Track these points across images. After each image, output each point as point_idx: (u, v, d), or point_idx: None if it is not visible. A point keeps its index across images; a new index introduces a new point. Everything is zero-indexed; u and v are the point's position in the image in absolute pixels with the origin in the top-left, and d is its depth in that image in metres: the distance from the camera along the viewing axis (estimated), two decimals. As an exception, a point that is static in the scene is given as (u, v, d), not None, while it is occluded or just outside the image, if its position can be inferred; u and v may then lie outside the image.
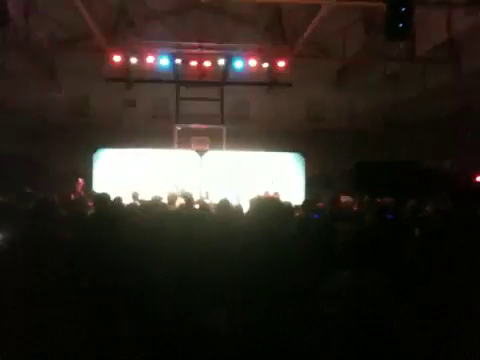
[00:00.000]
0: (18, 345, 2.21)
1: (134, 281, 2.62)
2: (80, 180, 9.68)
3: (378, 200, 7.04)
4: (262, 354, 2.35)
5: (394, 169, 12.32)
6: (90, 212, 5.53)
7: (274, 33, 12.53)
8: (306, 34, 10.38)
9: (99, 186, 10.86)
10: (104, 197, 4.04)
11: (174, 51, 11.47)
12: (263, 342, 2.40)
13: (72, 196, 8.01)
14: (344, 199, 7.10)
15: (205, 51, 11.66)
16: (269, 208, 4.01)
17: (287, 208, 4.36)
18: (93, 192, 7.76)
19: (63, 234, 3.45)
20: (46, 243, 2.87)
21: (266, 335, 2.41)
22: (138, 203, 5.60)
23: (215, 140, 12.06)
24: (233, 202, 9.03)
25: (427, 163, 12.47)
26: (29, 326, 2.28)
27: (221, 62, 11.66)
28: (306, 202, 6.59)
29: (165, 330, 2.38)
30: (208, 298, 2.55)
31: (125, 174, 11.47)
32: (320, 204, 7.72)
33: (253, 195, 8.40)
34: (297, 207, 6.40)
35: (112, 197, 5.07)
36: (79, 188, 9.50)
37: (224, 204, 5.20)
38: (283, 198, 7.41)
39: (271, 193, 10.29)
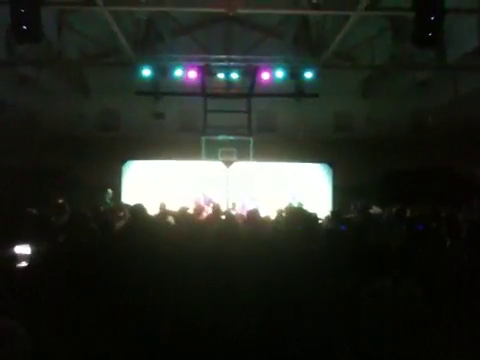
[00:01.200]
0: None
1: (170, 291, 2.64)
2: (109, 191, 9.81)
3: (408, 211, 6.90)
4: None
5: (424, 178, 12.07)
6: (120, 224, 5.61)
7: (301, 44, 12.56)
8: (334, 44, 10.35)
9: (128, 198, 11.01)
10: (139, 209, 4.07)
11: (202, 64, 11.61)
12: (298, 348, 2.39)
13: (101, 208, 8.14)
14: (373, 210, 6.99)
15: (232, 63, 11.76)
16: (298, 220, 4.00)
17: (314, 219, 4.32)
18: (125, 204, 7.86)
19: (97, 246, 3.52)
20: (81, 256, 2.92)
21: (300, 340, 2.40)
22: (170, 218, 5.62)
23: (242, 151, 12.09)
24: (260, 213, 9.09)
25: (458, 171, 12.17)
26: (66, 333, 2.31)
27: (248, 74, 11.75)
28: (334, 213, 6.52)
29: (202, 335, 2.39)
30: (242, 306, 2.55)
31: (153, 186, 11.59)
32: (348, 215, 7.64)
33: (280, 206, 8.40)
34: (325, 218, 6.34)
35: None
36: (107, 199, 9.64)
37: (253, 215, 5.17)
38: (310, 209, 7.34)
39: (295, 204, 10.22)
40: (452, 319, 2.54)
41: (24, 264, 3.10)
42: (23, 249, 3.36)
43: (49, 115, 13.69)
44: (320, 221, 5.47)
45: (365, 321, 2.52)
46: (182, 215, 5.51)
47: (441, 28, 7.34)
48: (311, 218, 4.02)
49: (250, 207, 8.89)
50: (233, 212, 9.06)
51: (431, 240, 4.36)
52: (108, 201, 9.94)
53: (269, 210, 7.98)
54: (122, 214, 6.63)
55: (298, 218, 4.04)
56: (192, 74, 11.48)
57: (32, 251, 3.36)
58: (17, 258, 3.10)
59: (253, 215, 5.25)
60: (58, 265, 2.89)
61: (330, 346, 2.40)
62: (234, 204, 10.59)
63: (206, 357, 2.38)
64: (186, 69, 11.46)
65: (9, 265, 2.90)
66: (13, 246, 3.32)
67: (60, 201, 6.74)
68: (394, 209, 7.23)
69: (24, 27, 8.87)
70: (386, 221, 6.68)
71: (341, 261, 3.10)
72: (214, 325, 2.49)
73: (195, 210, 6.79)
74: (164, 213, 6.28)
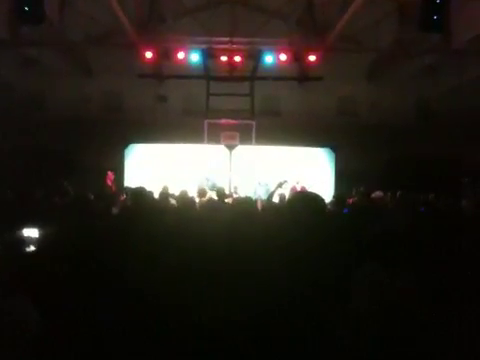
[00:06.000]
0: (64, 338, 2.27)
1: (174, 276, 2.65)
2: (109, 173, 9.79)
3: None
4: (293, 347, 2.36)
5: (428, 164, 12.03)
6: (121, 206, 5.63)
7: (305, 27, 12.41)
8: (338, 27, 10.22)
9: (130, 181, 11.03)
10: (140, 192, 4.06)
11: (205, 46, 11.50)
12: (294, 336, 2.40)
13: (104, 191, 8.16)
14: (376, 195, 6.98)
15: (235, 46, 11.64)
16: (306, 204, 3.96)
17: (322, 203, 4.31)
18: (127, 187, 7.86)
19: (101, 228, 3.53)
20: (83, 238, 2.93)
21: (297, 329, 2.41)
22: (173, 200, 5.63)
23: (245, 135, 12.05)
24: (262, 197, 9.11)
25: (463, 158, 12.13)
26: (75, 316, 2.34)
27: (251, 57, 11.65)
28: (337, 197, 6.51)
29: (204, 325, 2.41)
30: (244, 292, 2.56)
31: (156, 169, 11.60)
32: (350, 200, 7.63)
33: (283, 190, 8.39)
34: (329, 202, 6.34)
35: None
36: (109, 181, 9.61)
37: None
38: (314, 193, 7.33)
39: (298, 188, 10.23)
40: (452, 313, 2.52)
41: (32, 248, 3.12)
42: (31, 232, 3.38)
43: (52, 97, 13.65)
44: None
45: (357, 307, 2.52)
46: (182, 198, 5.51)
47: (447, 11, 7.25)
48: (317, 201, 3.98)
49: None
50: (235, 196, 9.07)
51: (434, 227, 4.37)
52: (110, 184, 9.93)
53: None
54: (124, 197, 6.66)
55: (303, 201, 4.01)
56: (195, 57, 11.38)
57: (39, 234, 3.38)
58: (25, 241, 3.12)
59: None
60: (61, 248, 2.91)
61: (327, 332, 2.40)
62: (236, 188, 10.61)
63: (208, 346, 2.39)
64: (189, 51, 11.36)
65: (18, 249, 2.92)
66: (21, 229, 3.34)
67: (63, 183, 6.75)
68: (398, 193, 7.22)
69: (26, 8, 8.84)
70: (390, 206, 6.68)
71: (342, 244, 3.10)
72: (214, 315, 2.50)
73: (198, 193, 6.79)
74: (166, 196, 6.30)
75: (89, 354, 2.28)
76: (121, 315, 2.43)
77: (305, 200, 3.91)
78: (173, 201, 5.89)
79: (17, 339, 2.11)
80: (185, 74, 12.61)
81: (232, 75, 12.59)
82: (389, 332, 2.37)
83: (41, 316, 2.25)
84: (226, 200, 6.64)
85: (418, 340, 2.32)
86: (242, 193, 9.83)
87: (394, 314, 2.43)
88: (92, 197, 4.74)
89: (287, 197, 7.12)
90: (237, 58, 11.74)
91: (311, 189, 9.52)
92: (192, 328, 2.39)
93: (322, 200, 3.88)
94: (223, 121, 12.32)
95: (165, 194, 6.36)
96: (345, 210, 5.61)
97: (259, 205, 6.75)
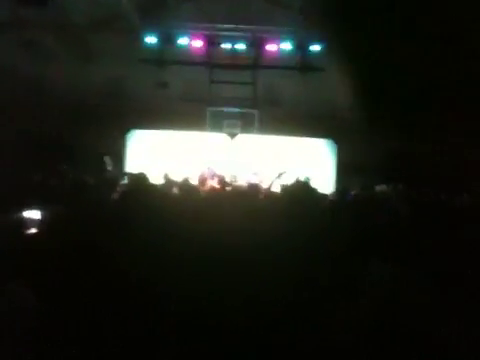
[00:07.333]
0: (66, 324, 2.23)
1: (176, 264, 2.60)
2: (107, 158, 9.68)
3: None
4: (296, 342, 2.31)
5: (430, 158, 11.97)
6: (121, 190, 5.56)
7: (308, 16, 12.26)
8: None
9: (131, 167, 10.96)
10: (141, 177, 3.99)
11: (207, 33, 11.38)
12: (298, 331, 2.35)
13: (103, 175, 8.09)
14: (378, 188, 6.94)
15: (238, 33, 11.52)
16: (303, 197, 3.92)
17: (320, 195, 4.27)
18: (128, 172, 7.81)
19: (97, 214, 3.47)
20: (82, 223, 2.88)
21: (299, 325, 2.37)
22: (175, 189, 5.57)
23: (247, 124, 11.96)
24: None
25: (465, 153, 12.06)
26: (74, 303, 2.30)
27: (254, 45, 11.55)
28: (339, 190, 6.48)
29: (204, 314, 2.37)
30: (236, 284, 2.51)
31: (157, 155, 11.53)
32: (352, 192, 7.58)
33: (284, 182, 8.33)
34: (331, 194, 6.29)
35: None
36: (107, 167, 9.51)
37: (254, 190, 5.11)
38: (315, 185, 7.28)
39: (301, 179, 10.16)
40: (458, 309, 2.47)
41: (33, 230, 3.08)
42: (32, 214, 3.34)
43: (52, 81, 13.49)
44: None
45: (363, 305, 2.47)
46: (185, 186, 5.46)
47: None
48: (316, 194, 3.94)
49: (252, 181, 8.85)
50: (235, 184, 9.01)
51: (436, 220, 4.33)
52: (109, 169, 9.84)
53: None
54: (124, 182, 6.60)
55: (302, 194, 3.97)
56: (197, 43, 11.27)
57: (40, 216, 3.33)
58: (26, 224, 3.07)
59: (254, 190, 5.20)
60: (59, 233, 2.86)
61: (332, 331, 2.35)
62: (235, 177, 10.54)
63: (206, 342, 2.35)
64: (191, 38, 11.24)
65: (18, 231, 2.87)
66: (20, 211, 3.29)
67: (62, 167, 6.69)
68: (399, 187, 7.19)
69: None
70: (393, 199, 6.63)
71: (343, 237, 3.06)
72: (215, 303, 2.45)
73: (199, 181, 6.74)
74: (169, 183, 6.24)
75: (87, 342, 2.24)
76: (121, 303, 2.38)
77: (299, 190, 3.85)
78: (175, 189, 5.83)
79: (15, 325, 2.06)
80: (187, 60, 12.48)
81: (234, 63, 12.48)
82: (392, 328, 2.33)
83: (39, 302, 2.20)
84: (227, 188, 6.60)
85: (424, 337, 2.28)
86: (242, 182, 9.76)
87: (399, 310, 2.39)
88: (91, 181, 4.67)
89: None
90: (240, 46, 11.64)
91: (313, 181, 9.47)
92: (192, 322, 2.35)
93: (314, 190, 3.80)
94: (225, 109, 12.23)
95: (169, 181, 6.30)
96: (349, 196, 5.57)
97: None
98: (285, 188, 7.33)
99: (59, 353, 2.12)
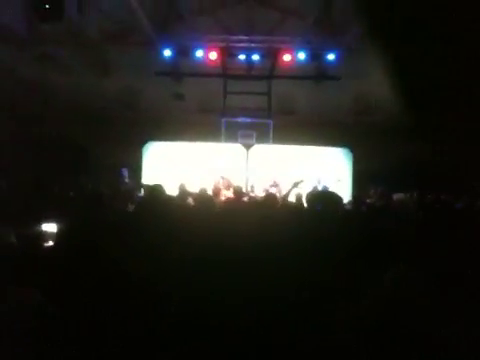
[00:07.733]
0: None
1: (190, 274, 2.62)
2: (123, 170, 9.76)
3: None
4: (297, 342, 2.31)
5: (445, 166, 11.83)
6: (138, 203, 5.62)
7: (323, 25, 12.30)
8: (357, 26, 10.12)
9: (147, 178, 11.06)
10: (158, 188, 4.00)
11: (222, 45, 11.48)
12: (298, 331, 2.35)
13: (120, 187, 8.17)
14: (395, 196, 6.88)
15: (253, 44, 11.60)
16: (318, 200, 3.89)
17: (336, 200, 4.24)
18: (144, 184, 7.88)
19: (113, 226, 3.51)
20: (100, 233, 2.92)
21: (300, 325, 2.36)
22: (190, 199, 5.61)
23: (262, 134, 11.98)
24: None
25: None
26: (88, 313, 2.33)
27: (269, 55, 11.61)
28: (355, 197, 6.44)
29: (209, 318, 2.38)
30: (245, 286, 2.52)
31: (173, 167, 11.61)
32: (368, 200, 7.54)
33: (299, 190, 8.31)
34: (348, 203, 6.26)
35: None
36: (124, 179, 9.60)
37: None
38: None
39: (320, 188, 10.13)
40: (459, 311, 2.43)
41: (51, 242, 3.13)
42: (49, 227, 3.39)
43: (69, 93, 13.73)
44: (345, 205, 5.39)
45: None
46: (201, 197, 5.48)
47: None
48: (332, 198, 3.90)
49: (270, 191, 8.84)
50: (252, 195, 9.03)
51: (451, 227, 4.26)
52: (126, 181, 9.95)
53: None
54: (140, 194, 6.67)
55: (319, 199, 3.93)
56: (213, 55, 11.38)
57: (57, 229, 3.39)
58: (44, 236, 3.13)
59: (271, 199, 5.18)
60: (75, 244, 2.90)
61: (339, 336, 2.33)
62: (253, 187, 10.56)
63: (212, 344, 2.35)
64: (207, 50, 11.36)
65: (37, 243, 2.92)
66: (39, 224, 3.34)
67: (82, 179, 6.79)
68: (414, 195, 7.12)
69: (47, 6, 8.92)
70: (410, 207, 6.58)
71: (354, 245, 3.04)
72: (217, 303, 2.46)
73: (213, 192, 6.77)
74: (184, 194, 6.28)
75: (90, 342, 2.27)
76: (132, 312, 2.41)
77: (323, 198, 3.83)
78: (190, 200, 5.87)
79: (30, 331, 2.09)
80: (203, 72, 12.60)
81: (250, 74, 12.55)
82: (392, 328, 2.30)
83: (54, 311, 2.24)
84: (243, 199, 6.61)
85: (424, 337, 2.26)
86: (259, 192, 9.76)
87: (400, 310, 2.36)
88: (109, 193, 4.73)
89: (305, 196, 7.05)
90: (255, 57, 11.71)
91: (331, 189, 9.43)
92: (200, 328, 2.36)
93: (339, 198, 3.79)
94: (240, 120, 12.28)
95: (184, 192, 6.33)
96: (364, 204, 5.54)
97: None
98: (300, 196, 7.35)
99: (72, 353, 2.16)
